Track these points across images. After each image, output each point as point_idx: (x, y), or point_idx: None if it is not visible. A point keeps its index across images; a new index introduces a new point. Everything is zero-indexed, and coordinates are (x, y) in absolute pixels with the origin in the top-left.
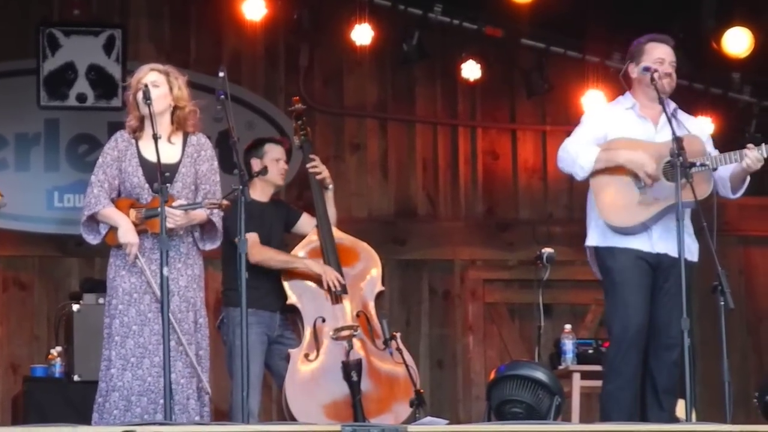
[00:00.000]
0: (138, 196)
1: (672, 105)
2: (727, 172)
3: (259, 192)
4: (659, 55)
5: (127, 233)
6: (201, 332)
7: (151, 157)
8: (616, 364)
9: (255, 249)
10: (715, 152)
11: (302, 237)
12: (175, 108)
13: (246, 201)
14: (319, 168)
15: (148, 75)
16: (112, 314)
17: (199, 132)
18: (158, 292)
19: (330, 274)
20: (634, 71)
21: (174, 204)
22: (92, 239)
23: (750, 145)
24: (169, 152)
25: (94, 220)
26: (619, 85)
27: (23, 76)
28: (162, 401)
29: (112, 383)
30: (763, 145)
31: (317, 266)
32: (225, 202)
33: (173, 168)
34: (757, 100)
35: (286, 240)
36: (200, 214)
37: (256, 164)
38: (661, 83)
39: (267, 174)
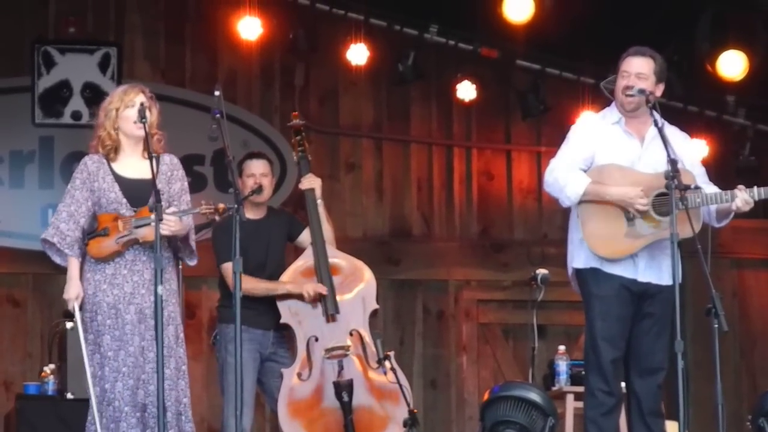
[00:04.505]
0: (116, 210)
1: (659, 121)
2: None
3: (250, 209)
4: (624, 68)
5: (70, 289)
6: (182, 347)
7: (126, 173)
8: (600, 394)
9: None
10: (707, 185)
11: (303, 250)
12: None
13: (242, 220)
14: (309, 182)
15: (138, 96)
16: (99, 330)
17: (166, 153)
18: (81, 338)
19: (308, 288)
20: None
21: (168, 210)
22: (57, 259)
23: (741, 186)
24: (143, 169)
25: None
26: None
27: (18, 94)
28: (139, 414)
29: (106, 397)
30: (755, 188)
31: (296, 288)
32: (221, 205)
33: (148, 184)
34: (752, 123)
35: (287, 249)
36: (187, 226)
37: (239, 182)
38: (621, 98)
39: (261, 192)
